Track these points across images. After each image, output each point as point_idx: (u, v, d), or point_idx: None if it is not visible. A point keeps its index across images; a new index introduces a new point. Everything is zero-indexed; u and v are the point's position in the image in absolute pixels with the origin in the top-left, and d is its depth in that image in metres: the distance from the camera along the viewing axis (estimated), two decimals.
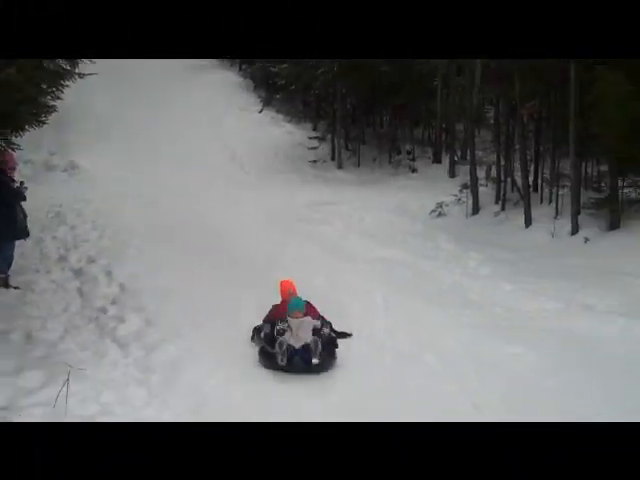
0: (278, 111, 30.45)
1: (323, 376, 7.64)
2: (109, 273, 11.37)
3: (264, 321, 8.66)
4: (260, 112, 30.20)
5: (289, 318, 8.06)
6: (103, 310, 9.70)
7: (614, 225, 14.10)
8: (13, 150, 11.07)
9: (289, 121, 29.76)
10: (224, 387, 7.20)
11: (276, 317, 8.39)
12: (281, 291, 9.10)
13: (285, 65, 27.83)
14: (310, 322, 8.06)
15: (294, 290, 8.98)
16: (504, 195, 18.46)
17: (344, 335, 8.63)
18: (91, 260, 12.19)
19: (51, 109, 12.22)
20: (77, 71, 13.51)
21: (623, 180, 15.21)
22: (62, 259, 12.34)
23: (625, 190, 15.28)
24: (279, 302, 8.93)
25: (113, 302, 10.01)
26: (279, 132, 28.44)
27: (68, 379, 6.27)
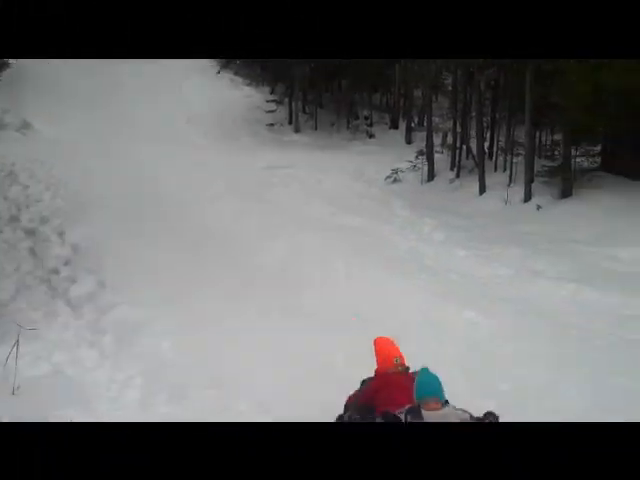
0: (236, 73, 30.15)
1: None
2: (62, 234, 11.22)
3: (350, 404, 5.55)
4: (218, 73, 29.88)
5: (424, 412, 4.79)
6: (55, 271, 9.61)
7: (566, 193, 14.31)
8: None
9: (248, 84, 29.49)
10: (178, 350, 7.20)
11: (381, 404, 5.06)
12: (378, 355, 5.65)
13: None
14: (454, 414, 4.82)
15: (402, 357, 5.59)
16: (459, 162, 18.61)
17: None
18: (44, 220, 12.01)
19: (4, 65, 11.97)
20: None
21: (576, 149, 15.46)
22: (14, 219, 12.12)
23: (578, 159, 15.52)
24: (373, 375, 5.62)
25: (66, 263, 9.92)
26: (237, 95, 28.18)
27: (18, 339, 6.22)
